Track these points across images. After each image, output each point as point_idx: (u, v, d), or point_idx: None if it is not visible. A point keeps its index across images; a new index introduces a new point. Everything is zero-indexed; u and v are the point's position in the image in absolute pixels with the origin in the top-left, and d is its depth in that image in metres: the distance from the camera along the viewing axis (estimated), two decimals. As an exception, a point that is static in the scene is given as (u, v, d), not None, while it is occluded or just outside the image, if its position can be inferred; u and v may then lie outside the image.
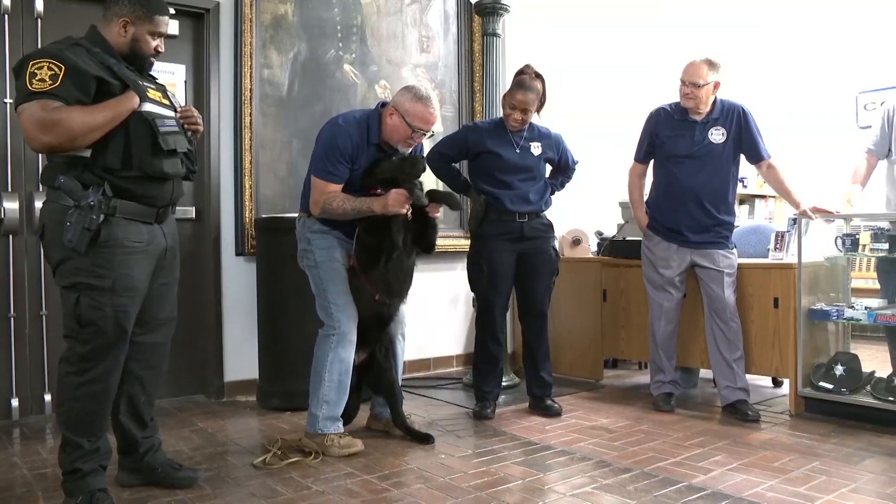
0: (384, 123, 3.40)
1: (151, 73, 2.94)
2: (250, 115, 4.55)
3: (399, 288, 3.48)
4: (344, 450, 3.37)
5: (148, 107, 2.73)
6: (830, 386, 4.00)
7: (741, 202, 7.06)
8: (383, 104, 3.48)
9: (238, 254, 4.56)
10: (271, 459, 3.28)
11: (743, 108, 4.16)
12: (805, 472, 3.14)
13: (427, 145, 3.95)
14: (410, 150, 3.53)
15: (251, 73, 4.55)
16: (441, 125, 5.39)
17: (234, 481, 3.05)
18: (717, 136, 4.08)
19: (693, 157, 4.09)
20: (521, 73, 4.03)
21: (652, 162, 4.29)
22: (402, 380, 3.82)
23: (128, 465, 2.98)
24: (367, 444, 3.51)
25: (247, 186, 4.55)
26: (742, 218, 6.84)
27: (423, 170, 3.47)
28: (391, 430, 3.71)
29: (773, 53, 7.46)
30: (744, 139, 4.13)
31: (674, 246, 4.15)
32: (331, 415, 3.43)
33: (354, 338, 3.45)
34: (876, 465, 3.24)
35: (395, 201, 3.27)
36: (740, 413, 4.02)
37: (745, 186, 6.84)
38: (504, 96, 4.04)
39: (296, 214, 3.60)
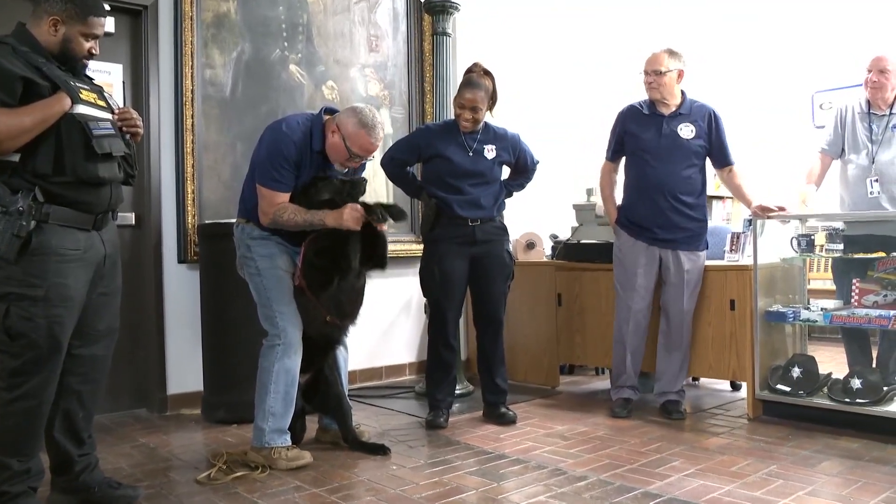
0: (326, 136, 3.29)
1: (87, 73, 2.79)
2: (192, 117, 4.39)
3: (351, 309, 3.40)
4: (292, 462, 3.25)
5: (81, 109, 2.60)
6: (788, 388, 3.98)
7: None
8: (328, 110, 3.38)
9: (181, 261, 4.40)
10: (216, 474, 3.14)
11: (714, 111, 4.17)
12: (762, 475, 3.10)
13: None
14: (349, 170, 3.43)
15: (192, 73, 4.39)
16: (391, 127, 5.30)
17: (177, 498, 2.92)
18: (686, 131, 4.06)
19: (660, 150, 4.05)
20: (469, 71, 3.96)
21: (624, 161, 4.25)
22: (353, 389, 3.73)
23: (61, 484, 2.80)
24: (316, 456, 3.40)
25: (189, 191, 4.39)
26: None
27: (364, 192, 3.38)
28: (340, 441, 3.60)
29: (730, 50, 7.48)
30: (713, 142, 4.14)
31: (643, 244, 4.11)
32: (277, 427, 3.30)
33: (300, 346, 3.34)
34: (832, 467, 3.21)
35: (351, 217, 3.18)
36: (667, 412, 4.08)
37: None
38: (455, 97, 3.96)
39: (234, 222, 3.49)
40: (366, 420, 4.01)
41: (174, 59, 4.35)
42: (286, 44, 4.82)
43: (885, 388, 3.78)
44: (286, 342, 3.28)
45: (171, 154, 4.37)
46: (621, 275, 4.20)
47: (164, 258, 4.36)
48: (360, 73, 5.20)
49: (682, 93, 4.17)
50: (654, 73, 4.05)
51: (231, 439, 3.77)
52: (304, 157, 3.27)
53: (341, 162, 3.32)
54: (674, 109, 4.11)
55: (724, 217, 6.97)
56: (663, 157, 4.06)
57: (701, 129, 4.10)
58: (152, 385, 4.35)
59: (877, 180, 4.22)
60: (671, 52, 4.07)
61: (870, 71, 4.25)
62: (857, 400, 3.76)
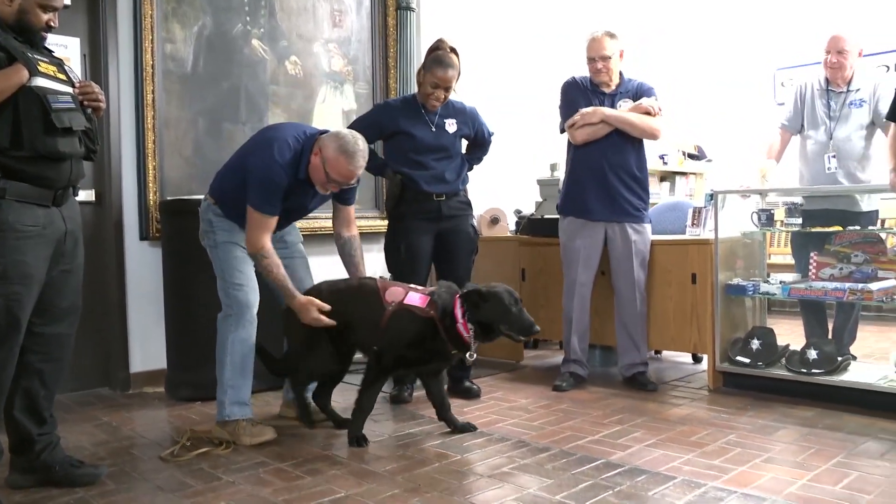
0: (310, 158, 3.26)
1: (46, 46, 2.74)
2: (153, 93, 4.33)
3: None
4: (255, 438, 3.26)
5: (39, 81, 2.55)
6: (747, 360, 4.06)
7: (662, 179, 7.14)
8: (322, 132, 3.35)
9: (142, 238, 4.35)
10: (179, 451, 3.14)
11: (652, 89, 4.20)
12: (721, 444, 3.17)
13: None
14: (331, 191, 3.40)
15: (153, 47, 4.31)
16: (355, 102, 5.27)
17: (141, 475, 2.91)
18: (625, 107, 4.10)
19: (593, 123, 4.07)
20: (436, 48, 3.91)
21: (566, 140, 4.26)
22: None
23: (21, 464, 2.78)
24: (281, 430, 3.41)
25: (150, 167, 4.33)
26: (663, 195, 6.93)
27: None
28: (304, 417, 3.62)
29: (694, 26, 7.54)
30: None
31: (586, 221, 4.15)
32: (237, 399, 3.32)
33: (253, 317, 3.35)
34: (789, 435, 3.29)
35: (312, 321, 3.24)
36: (640, 384, 4.15)
37: (665, 163, 6.92)
38: (422, 75, 3.91)
39: (203, 196, 3.46)
40: (332, 395, 4.00)
41: (133, 34, 4.27)
42: (248, 18, 4.76)
43: (839, 359, 3.88)
44: (237, 313, 3.30)
45: (132, 130, 4.30)
46: (566, 250, 4.25)
47: (126, 235, 4.31)
48: (324, 49, 5.15)
49: (620, 72, 4.22)
50: (602, 59, 4.08)
51: (195, 416, 3.76)
52: (290, 184, 3.26)
53: (321, 184, 3.29)
54: (613, 88, 4.15)
55: (687, 193, 7.05)
56: (608, 135, 4.09)
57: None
58: (115, 363, 4.32)
59: (834, 156, 4.29)
60: (610, 35, 4.10)
61: (828, 52, 4.31)
62: (813, 370, 3.85)
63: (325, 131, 3.35)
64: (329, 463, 3.03)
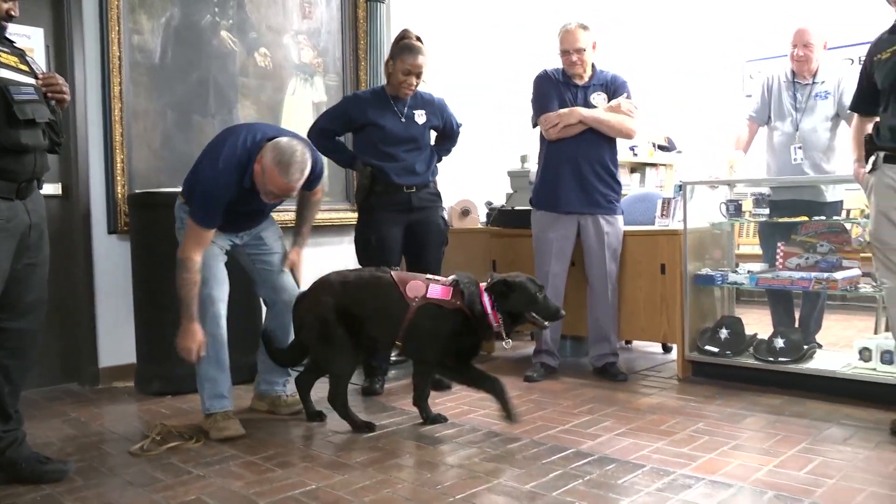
0: (254, 167, 3.20)
1: (7, 36, 2.70)
2: (120, 84, 4.27)
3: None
4: (221, 433, 3.24)
5: (0, 73, 2.51)
6: (716, 349, 4.11)
7: (632, 170, 7.18)
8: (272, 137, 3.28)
9: (111, 232, 4.30)
10: (149, 446, 3.12)
11: (626, 84, 4.23)
12: (689, 433, 3.21)
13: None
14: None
15: (119, 38, 4.26)
16: (325, 94, 5.24)
17: (110, 471, 2.89)
18: (598, 100, 4.13)
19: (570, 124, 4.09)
20: (403, 37, 3.92)
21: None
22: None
23: (-14, 461, 2.75)
24: (252, 423, 3.41)
25: (118, 160, 4.28)
26: (633, 186, 6.97)
27: None
28: (276, 409, 3.62)
29: (666, 17, 7.58)
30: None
31: (559, 214, 4.17)
32: (215, 393, 3.31)
33: (218, 312, 3.33)
34: (756, 423, 3.34)
35: (184, 342, 3.18)
36: (610, 374, 4.18)
37: (635, 155, 6.96)
38: (391, 65, 3.90)
39: (173, 189, 3.44)
40: (302, 388, 4.01)
41: (99, 24, 4.20)
42: (217, 9, 4.72)
43: (805, 347, 3.94)
44: (202, 308, 3.27)
45: (99, 122, 4.25)
46: (539, 242, 4.26)
47: (94, 229, 4.26)
48: (293, 40, 5.12)
49: (592, 64, 4.23)
50: (576, 52, 4.09)
51: (165, 411, 3.73)
52: (237, 190, 3.22)
53: (262, 192, 3.22)
54: (586, 80, 4.17)
55: (657, 184, 7.10)
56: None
57: (611, 97, 4.16)
58: (83, 358, 4.27)
59: (800, 147, 4.35)
60: (584, 27, 4.11)
61: (795, 45, 4.37)
62: (780, 359, 3.91)
63: (278, 136, 3.26)
64: (300, 455, 3.03)
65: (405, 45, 3.87)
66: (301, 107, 5.12)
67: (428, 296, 3.26)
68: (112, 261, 4.31)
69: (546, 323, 3.33)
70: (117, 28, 4.25)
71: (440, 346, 3.28)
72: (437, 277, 3.40)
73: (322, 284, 3.41)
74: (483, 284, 3.29)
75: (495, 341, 4.63)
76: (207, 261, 3.29)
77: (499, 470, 2.80)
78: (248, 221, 3.45)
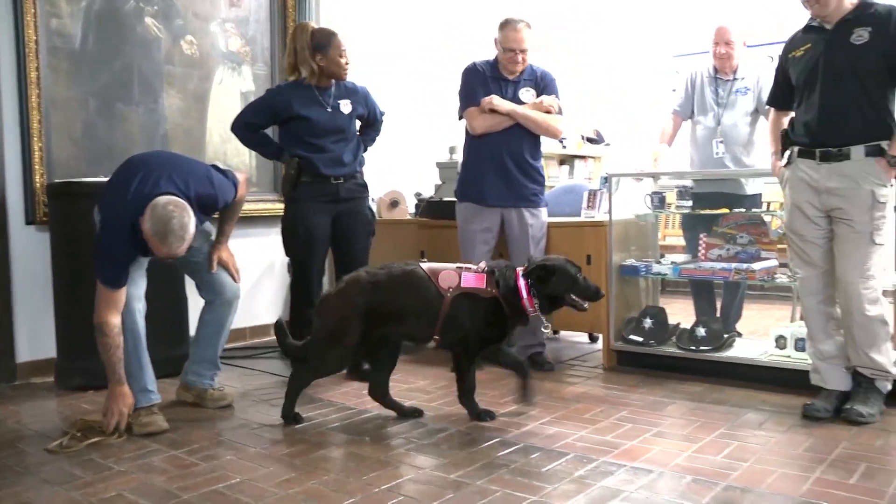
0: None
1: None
2: (37, 70, 4.13)
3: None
4: (144, 428, 3.18)
5: None
6: (640, 339, 4.20)
7: (561, 162, 7.26)
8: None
9: (28, 223, 4.17)
10: (69, 442, 3.04)
11: (554, 81, 4.27)
12: (613, 421, 3.27)
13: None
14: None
15: (35, 21, 4.10)
16: (253, 84, 5.17)
17: (26, 469, 2.81)
18: (527, 96, 4.16)
19: (498, 112, 4.11)
20: (316, 29, 3.93)
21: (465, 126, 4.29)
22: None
23: None
24: (177, 416, 3.37)
25: (36, 149, 4.14)
26: (562, 178, 7.05)
27: None
28: (203, 402, 3.57)
29: (596, 11, 7.68)
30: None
31: (483, 207, 4.20)
32: (140, 387, 3.24)
33: (133, 307, 3.26)
34: (677, 410, 3.43)
35: (114, 405, 3.12)
36: (537, 364, 4.21)
37: (564, 147, 7.04)
38: (319, 57, 3.86)
39: (94, 179, 3.36)
40: (228, 381, 3.96)
41: (13, 7, 4.04)
42: (141, -6, 4.61)
43: (725, 336, 4.06)
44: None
45: (14, 109, 4.09)
46: (463, 234, 4.29)
47: (10, 220, 4.11)
48: (221, 28, 5.03)
49: None
50: (521, 52, 4.11)
51: (87, 406, 3.64)
52: (141, 245, 3.12)
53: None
54: (517, 75, 4.20)
55: (586, 176, 7.20)
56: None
57: (540, 93, 4.20)
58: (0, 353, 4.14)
59: (722, 141, 4.47)
60: (528, 25, 4.12)
61: (717, 43, 4.47)
62: (702, 347, 4.02)
63: (166, 188, 3.09)
64: (225, 448, 3.00)
65: (327, 33, 3.88)
66: (228, 96, 5.04)
67: (462, 285, 3.22)
68: (30, 252, 4.17)
69: (586, 305, 3.34)
70: (33, 11, 4.10)
71: (478, 336, 3.26)
72: (468, 265, 3.36)
73: (352, 283, 3.28)
74: (519, 269, 3.27)
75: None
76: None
77: (424, 460, 2.82)
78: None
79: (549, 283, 3.23)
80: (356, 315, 3.19)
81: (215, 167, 3.43)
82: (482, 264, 3.33)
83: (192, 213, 3.07)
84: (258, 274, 5.29)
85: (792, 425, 3.16)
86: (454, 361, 3.35)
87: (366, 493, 2.51)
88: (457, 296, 3.20)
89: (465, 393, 3.32)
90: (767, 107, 3.71)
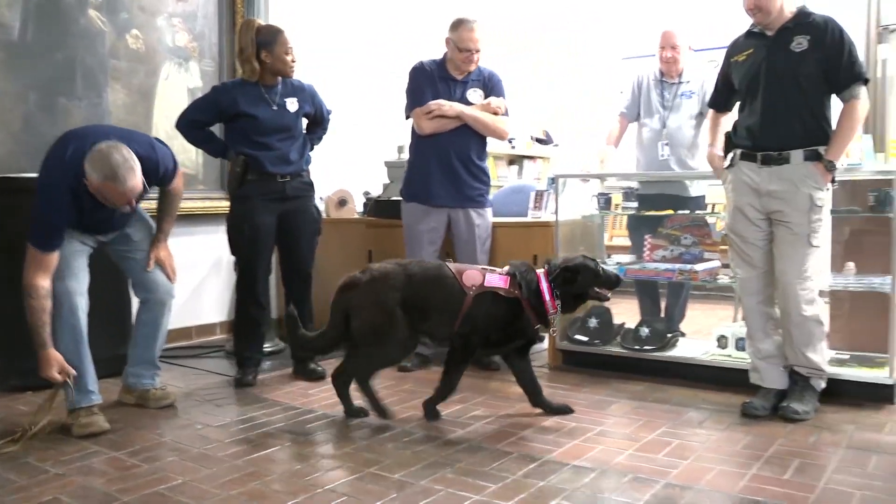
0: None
1: None
2: (-27, 61, 4.04)
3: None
4: (84, 429, 3.12)
5: None
6: (585, 338, 4.24)
7: (511, 162, 7.30)
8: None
9: (-37, 218, 4.06)
10: (4, 445, 2.96)
11: (501, 82, 4.29)
12: (557, 420, 3.30)
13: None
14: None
15: (-30, 11, 4.02)
16: (200, 80, 5.11)
17: (-46, 474, 2.74)
18: (475, 96, 4.18)
19: (446, 116, 4.12)
20: (260, 25, 3.90)
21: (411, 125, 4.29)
22: (161, 350, 3.61)
23: None
24: (119, 418, 3.31)
25: (-28, 143, 4.05)
26: (511, 178, 7.09)
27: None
28: (145, 402, 3.53)
29: (547, 13, 7.73)
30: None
31: (429, 207, 4.20)
32: (79, 387, 3.19)
33: (74, 305, 3.21)
34: (621, 409, 3.47)
35: (46, 371, 3.08)
36: (482, 364, 4.22)
37: (513, 147, 7.08)
38: (265, 53, 3.82)
39: (35, 175, 3.28)
40: (172, 381, 3.91)
41: (-55, -5, 3.96)
42: (84, -14, 4.51)
43: (668, 335, 4.12)
44: (57, 302, 3.16)
45: (-52, 102, 4.00)
46: (409, 233, 4.29)
47: (-57, 216, 4.01)
48: (168, 23, 4.95)
49: None
50: (476, 52, 4.11)
51: (24, 407, 3.54)
52: (76, 208, 3.10)
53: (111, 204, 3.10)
54: (465, 75, 4.21)
55: (535, 176, 7.26)
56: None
57: (488, 94, 4.22)
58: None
59: (667, 144, 4.53)
60: (478, 27, 4.12)
61: (663, 47, 4.54)
62: (645, 347, 4.07)
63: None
64: (167, 449, 2.96)
65: (272, 30, 3.86)
66: (175, 92, 4.96)
67: (486, 284, 3.24)
68: (-35, 249, 4.05)
69: (609, 294, 3.39)
70: (-33, 0, 4.00)
71: (488, 332, 3.28)
72: (492, 268, 3.39)
73: (385, 275, 3.26)
74: (539, 272, 3.31)
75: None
76: (66, 257, 3.18)
77: (369, 459, 2.81)
78: (112, 223, 3.34)
79: (576, 283, 3.29)
80: (394, 303, 3.20)
81: (157, 140, 3.44)
82: (505, 268, 3.37)
83: (130, 147, 3.06)
84: (204, 272, 5.22)
85: (731, 423, 3.22)
86: (448, 355, 3.37)
87: (309, 494, 2.50)
88: (479, 293, 3.23)
89: (440, 396, 3.35)
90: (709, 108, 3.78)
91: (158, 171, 3.32)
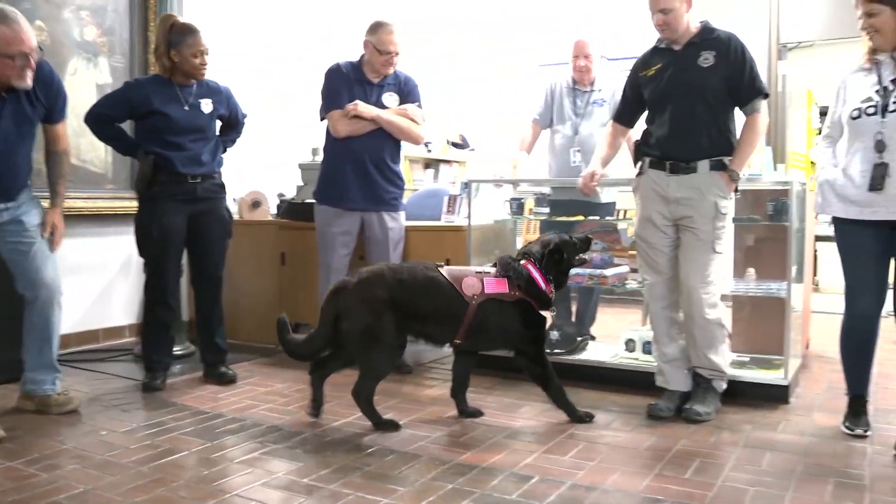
0: None
1: None
2: None
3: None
4: None
5: None
6: (499, 343, 4.28)
7: (426, 166, 7.33)
8: None
9: None
10: None
11: (417, 87, 4.32)
12: (467, 423, 3.34)
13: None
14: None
15: None
16: (111, 76, 4.97)
17: None
18: (390, 100, 4.19)
19: (362, 118, 4.11)
20: (176, 22, 3.82)
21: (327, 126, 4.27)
22: (65, 354, 3.52)
23: None
24: (17, 425, 3.21)
25: None
26: (427, 181, 7.11)
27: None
28: (47, 408, 3.41)
29: (465, 19, 7.79)
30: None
31: (342, 210, 4.20)
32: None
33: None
34: (530, 412, 3.53)
35: None
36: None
37: (429, 151, 7.11)
38: (175, 53, 3.75)
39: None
40: (78, 385, 3.81)
41: None
42: (-17, -26, 4.34)
43: (578, 339, 4.21)
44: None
45: None
46: (322, 236, 4.27)
47: None
48: (75, 16, 4.80)
49: None
50: (396, 54, 4.12)
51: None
52: None
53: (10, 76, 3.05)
54: (382, 78, 4.22)
55: (450, 180, 7.31)
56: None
57: (404, 98, 4.25)
58: None
59: (579, 150, 4.61)
60: (397, 29, 4.15)
61: (576, 56, 4.62)
62: (556, 350, 4.14)
63: None
64: (69, 457, 2.87)
65: (186, 28, 3.77)
66: (83, 88, 4.81)
67: (486, 292, 3.24)
68: None
69: (587, 256, 3.57)
70: None
71: (533, 334, 3.35)
72: (485, 269, 3.39)
73: (374, 277, 3.22)
74: (523, 262, 3.34)
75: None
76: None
77: (278, 464, 2.80)
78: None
79: (564, 261, 3.42)
80: (383, 306, 3.18)
81: None
82: (492, 267, 3.41)
83: None
84: (112, 274, 5.08)
85: (637, 425, 3.31)
86: (529, 372, 3.44)
87: (217, 499, 2.47)
88: (483, 303, 3.26)
89: (556, 395, 3.41)
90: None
91: (52, 79, 3.32)
